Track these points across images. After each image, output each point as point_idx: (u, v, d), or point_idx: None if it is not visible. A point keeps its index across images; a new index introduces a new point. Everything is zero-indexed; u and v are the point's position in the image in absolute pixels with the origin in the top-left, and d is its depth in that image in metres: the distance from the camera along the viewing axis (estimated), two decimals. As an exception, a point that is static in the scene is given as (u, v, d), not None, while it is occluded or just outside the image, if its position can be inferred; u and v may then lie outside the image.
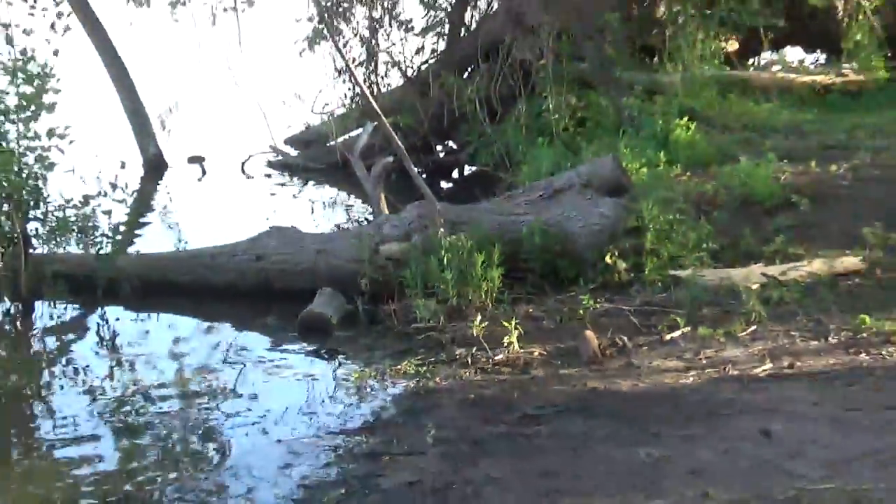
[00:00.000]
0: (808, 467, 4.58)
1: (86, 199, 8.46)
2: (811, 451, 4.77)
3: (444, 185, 13.18)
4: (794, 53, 16.23)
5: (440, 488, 4.74)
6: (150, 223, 11.34)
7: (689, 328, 6.66)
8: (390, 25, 14.60)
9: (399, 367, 6.52)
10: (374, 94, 13.19)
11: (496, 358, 6.44)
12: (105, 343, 7.55)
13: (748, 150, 10.04)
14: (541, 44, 12.53)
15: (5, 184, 7.93)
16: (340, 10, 14.34)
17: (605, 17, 12.92)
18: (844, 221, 8.19)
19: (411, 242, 7.89)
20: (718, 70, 13.19)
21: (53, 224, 8.33)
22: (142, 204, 12.18)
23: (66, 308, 8.07)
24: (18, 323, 7.99)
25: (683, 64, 12.99)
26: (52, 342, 7.66)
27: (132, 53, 14.19)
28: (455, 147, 13.99)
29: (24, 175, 8.02)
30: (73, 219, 8.36)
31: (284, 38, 14.20)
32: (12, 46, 8.02)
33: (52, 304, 8.09)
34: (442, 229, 7.69)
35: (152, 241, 10.33)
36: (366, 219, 10.50)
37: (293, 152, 14.74)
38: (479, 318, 6.86)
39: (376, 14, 14.46)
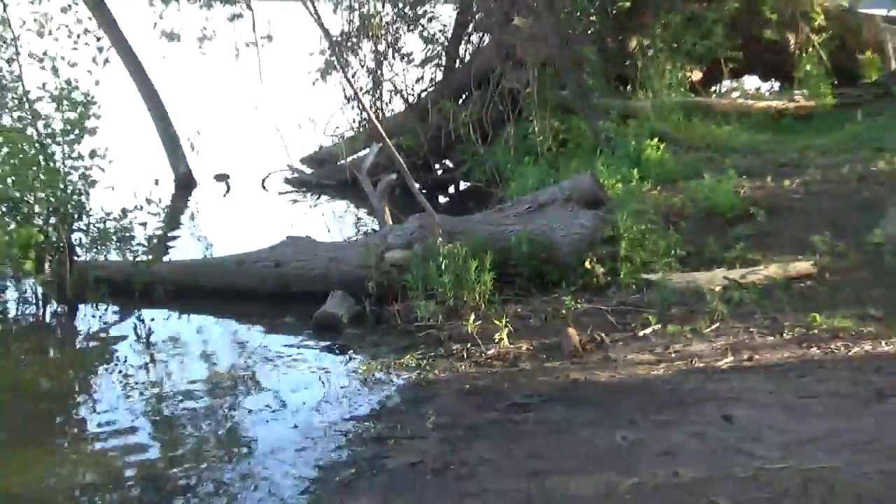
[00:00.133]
0: (766, 449, 4.58)
1: (124, 213, 8.45)
2: (768, 434, 4.78)
3: (442, 199, 13.16)
4: (751, 82, 16.25)
5: (439, 468, 4.73)
6: (180, 234, 11.33)
7: (659, 326, 6.67)
8: (393, 58, 14.60)
9: (402, 360, 6.53)
10: (380, 118, 13.18)
11: (488, 352, 6.45)
12: (141, 340, 7.53)
13: (711, 168, 10.04)
14: (527, 74, 12.54)
15: (52, 199, 7.93)
16: (349, 44, 14.33)
17: (583, 51, 12.96)
18: (797, 230, 8.20)
19: (413, 250, 7.88)
20: (684, 97, 13.18)
21: (95, 234, 8.32)
22: (173, 217, 12.18)
23: (106, 309, 8.05)
24: (64, 323, 7.97)
25: (653, 91, 12.99)
26: (94, 340, 7.64)
27: (165, 82, 14.18)
28: (451, 165, 13.97)
29: (68, 191, 8.02)
30: (112, 230, 8.35)
31: (300, 69, 14.20)
32: (58, 77, 8.01)
33: (94, 306, 8.06)
34: (440, 238, 7.69)
35: (183, 249, 10.32)
36: (372, 229, 10.48)
37: (308, 170, 14.71)
38: (473, 317, 6.86)
39: (381, 48, 14.46)
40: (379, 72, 14.47)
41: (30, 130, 8.00)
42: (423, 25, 14.66)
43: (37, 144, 7.96)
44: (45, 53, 8.04)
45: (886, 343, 5.99)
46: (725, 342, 6.26)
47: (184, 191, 13.64)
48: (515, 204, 9.01)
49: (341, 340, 7.20)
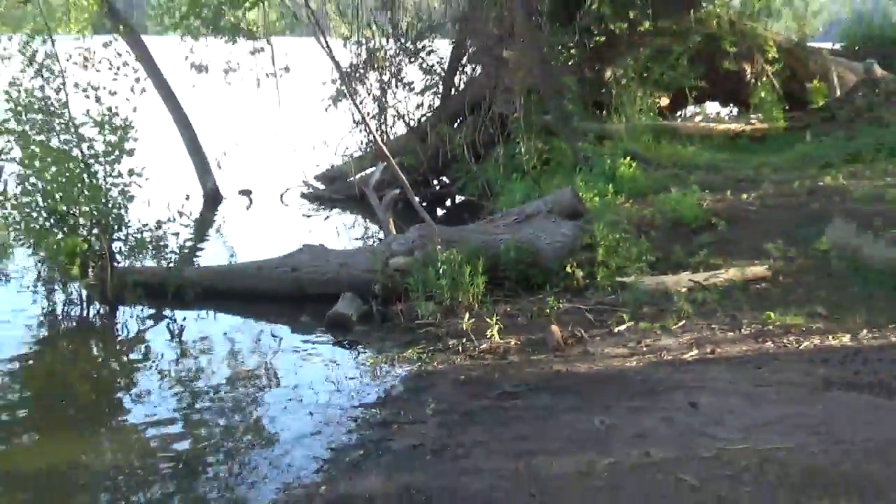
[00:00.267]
0: (727, 432, 4.59)
1: (158, 224, 8.44)
2: (729, 419, 4.78)
3: (440, 211, 13.15)
4: (712, 107, 16.25)
5: (438, 450, 4.73)
6: (208, 243, 11.31)
7: (632, 323, 6.68)
8: (396, 87, 14.60)
9: (405, 354, 6.53)
10: (384, 140, 13.18)
11: (481, 347, 6.45)
12: (174, 337, 7.52)
13: (677, 183, 10.05)
14: (514, 101, 12.55)
15: (95, 212, 7.92)
16: (357, 75, 14.33)
17: (564, 80, 12.97)
18: (753, 238, 8.20)
19: (414, 256, 7.89)
20: (653, 121, 13.20)
21: (133, 243, 8.30)
22: (202, 227, 12.16)
23: (142, 310, 8.03)
24: (105, 322, 7.96)
25: (626, 116, 12.99)
26: (132, 337, 7.63)
27: (194, 108, 14.19)
28: (448, 181, 13.95)
29: (109, 205, 8.00)
30: (148, 239, 8.33)
31: (314, 96, 14.21)
32: (100, 104, 8.01)
33: (131, 306, 8.04)
34: (438, 246, 7.69)
35: (210, 256, 10.30)
36: (378, 238, 10.47)
37: (321, 186, 14.69)
38: (467, 315, 6.86)
39: (385, 78, 14.45)
40: (384, 99, 14.48)
41: (75, 152, 7.99)
42: (422, 58, 14.67)
43: (81, 164, 7.95)
44: (88, 84, 8.03)
45: (832, 338, 6.00)
46: (691, 337, 6.27)
47: (211, 204, 13.63)
48: (504, 216, 9.00)
49: (351, 337, 7.19)
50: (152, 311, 8.03)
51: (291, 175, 14.63)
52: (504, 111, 12.83)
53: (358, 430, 5.33)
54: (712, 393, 5.16)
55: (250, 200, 14.12)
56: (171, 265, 8.36)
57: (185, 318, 7.88)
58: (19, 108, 7.83)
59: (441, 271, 7.34)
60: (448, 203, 13.90)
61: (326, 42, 9.47)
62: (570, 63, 13.79)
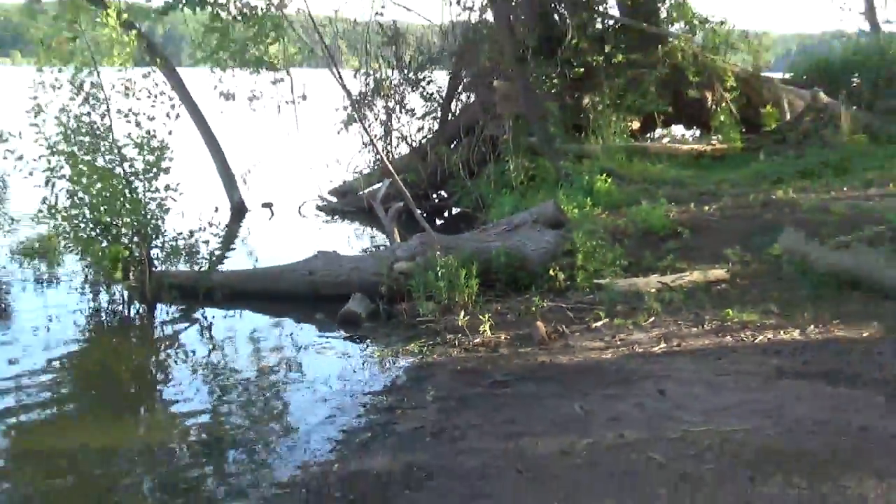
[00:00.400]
0: (691, 415, 4.60)
1: (191, 233, 8.44)
2: (693, 404, 4.78)
3: (439, 221, 13.15)
4: (678, 129, 16.25)
5: (437, 432, 4.74)
6: (235, 249, 11.30)
7: (608, 319, 6.67)
8: (400, 112, 14.62)
9: (408, 347, 6.53)
10: (389, 159, 13.20)
11: (475, 341, 6.44)
12: (204, 332, 7.52)
13: (647, 197, 10.06)
14: (504, 125, 12.59)
15: (135, 223, 7.92)
16: (366, 101, 14.37)
17: (547, 106, 13.00)
18: (714, 245, 8.20)
19: (416, 261, 7.88)
20: (626, 142, 13.19)
21: (168, 250, 8.29)
22: (229, 236, 12.15)
23: (177, 308, 8.04)
24: (144, 319, 7.95)
25: (602, 138, 12.98)
26: (167, 332, 7.63)
27: (222, 131, 14.21)
28: (445, 195, 13.95)
29: (148, 216, 8.00)
30: (182, 246, 8.33)
31: (328, 120, 14.24)
32: (140, 128, 8.02)
33: (167, 305, 8.05)
34: (437, 252, 7.69)
35: (236, 261, 10.28)
36: (384, 245, 10.48)
37: (334, 200, 14.72)
38: (462, 313, 6.85)
39: (391, 104, 14.49)
40: (389, 123, 14.51)
41: (118, 170, 7.98)
42: (423, 87, 14.71)
43: (123, 181, 7.94)
44: (129, 110, 8.03)
45: (784, 333, 6.00)
46: (659, 332, 6.26)
47: (237, 216, 13.62)
48: (495, 225, 9.01)
49: (360, 332, 7.19)
50: (185, 309, 8.03)
51: (308, 190, 14.65)
52: (495, 134, 12.89)
53: (366, 415, 5.33)
54: (678, 381, 5.16)
55: (272, 212, 14.12)
56: (202, 269, 8.36)
57: (214, 316, 7.87)
58: (69, 132, 7.82)
59: (440, 274, 7.34)
60: (446, 214, 13.90)
61: (339, 73, 9.48)
62: (552, 91, 13.81)
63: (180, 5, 12.99)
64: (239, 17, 13.07)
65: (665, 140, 15.08)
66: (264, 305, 8.08)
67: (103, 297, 8.19)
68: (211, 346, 7.15)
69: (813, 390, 4.89)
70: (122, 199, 7.87)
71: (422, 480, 4.12)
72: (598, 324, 6.60)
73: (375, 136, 13.98)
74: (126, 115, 8.03)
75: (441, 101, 14.70)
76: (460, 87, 14.74)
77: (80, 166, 7.82)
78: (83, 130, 7.87)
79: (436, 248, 7.84)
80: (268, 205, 14.32)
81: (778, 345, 5.76)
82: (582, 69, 14.04)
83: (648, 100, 14.08)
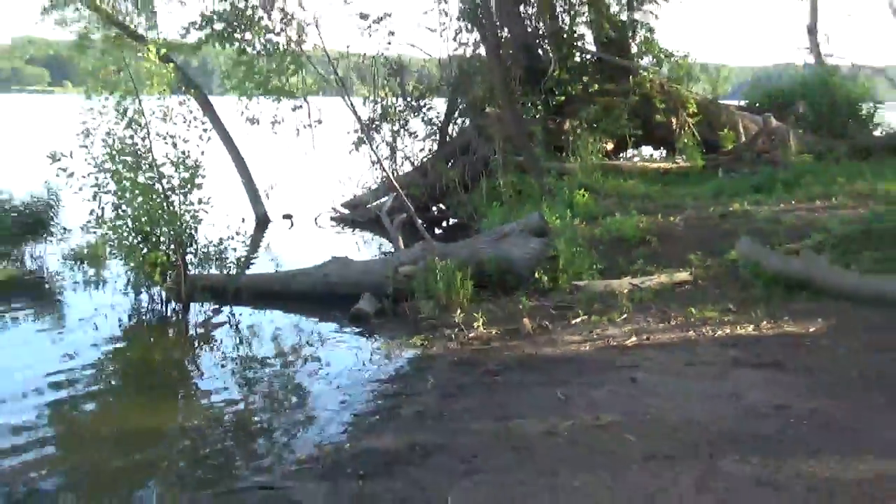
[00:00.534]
0: (660, 401, 4.61)
1: (221, 241, 8.42)
2: (661, 390, 4.80)
3: (437, 231, 13.17)
4: (647, 150, 16.31)
5: (436, 415, 4.74)
6: (259, 255, 11.31)
7: (586, 317, 6.66)
8: (404, 135, 14.67)
9: (411, 341, 6.51)
10: (395, 176, 13.22)
11: (470, 335, 6.44)
12: (232, 329, 7.52)
13: (620, 209, 10.08)
14: (495, 146, 12.63)
15: (172, 232, 7.92)
16: (374, 125, 14.43)
17: (533, 130, 13.05)
18: (679, 251, 8.22)
19: (418, 266, 7.89)
20: (602, 161, 13.23)
21: (201, 256, 8.28)
22: (254, 244, 12.15)
23: (208, 308, 8.04)
24: (180, 317, 7.95)
25: (581, 157, 13.01)
26: (200, 329, 7.63)
27: (248, 151, 14.23)
28: (444, 208, 14.00)
29: (183, 227, 8.00)
30: (213, 253, 8.31)
31: (340, 142, 14.26)
32: (176, 149, 8.03)
33: (200, 305, 8.05)
34: (436, 258, 7.70)
35: (261, 266, 10.30)
36: (390, 252, 10.49)
37: (346, 211, 14.73)
38: (459, 311, 6.87)
39: (395, 128, 14.54)
40: (394, 144, 14.55)
41: (157, 186, 7.98)
42: (424, 113, 14.75)
43: (162, 195, 7.95)
44: (167, 133, 8.04)
45: (740, 328, 6.01)
46: (631, 328, 6.26)
47: (262, 226, 13.63)
48: (487, 234, 9.00)
49: (369, 328, 7.18)
50: (216, 308, 8.03)
51: (323, 203, 14.67)
52: (487, 154, 12.92)
53: (375, 400, 5.33)
54: (648, 371, 5.17)
55: (292, 223, 14.13)
56: (231, 273, 8.34)
57: (241, 314, 7.87)
58: (114, 152, 7.82)
59: (438, 277, 7.34)
60: (444, 224, 13.92)
61: (350, 100, 9.53)
62: (537, 116, 13.88)
63: (212, 41, 13.03)
64: (263, 52, 13.13)
65: (636, 159, 15.10)
66: (285, 304, 8.07)
67: (144, 298, 8.18)
68: (238, 341, 7.14)
69: (765, 378, 4.90)
70: (160, 211, 7.87)
71: (423, 457, 4.13)
72: (578, 320, 6.60)
73: (382, 155, 14.00)
74: (164, 138, 8.04)
75: (440, 125, 14.75)
76: (456, 113, 14.80)
77: (124, 182, 7.82)
78: (126, 151, 7.87)
79: (435, 254, 7.85)
80: (288, 216, 14.32)
81: (735, 338, 5.77)
82: (563, 97, 14.11)
83: (621, 124, 14.13)
